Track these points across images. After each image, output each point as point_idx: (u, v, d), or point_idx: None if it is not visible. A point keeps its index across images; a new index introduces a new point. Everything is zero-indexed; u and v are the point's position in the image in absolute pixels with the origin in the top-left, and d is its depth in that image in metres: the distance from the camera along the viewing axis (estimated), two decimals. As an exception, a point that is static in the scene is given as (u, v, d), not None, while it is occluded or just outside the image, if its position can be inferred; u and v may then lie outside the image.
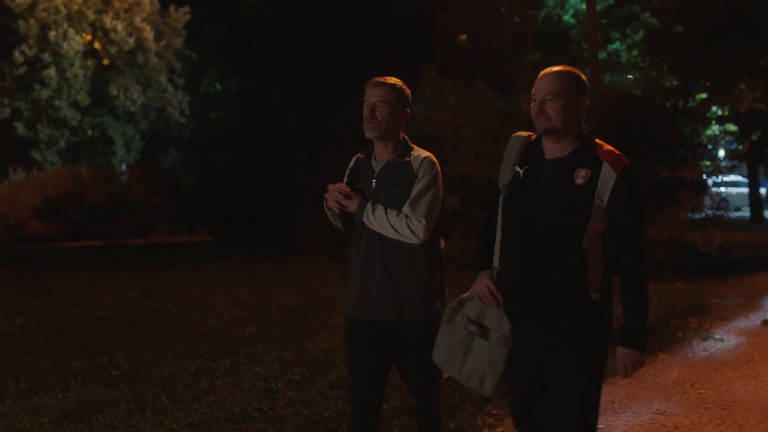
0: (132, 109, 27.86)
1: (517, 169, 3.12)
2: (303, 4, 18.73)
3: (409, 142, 3.63)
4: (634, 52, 23.93)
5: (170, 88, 28.02)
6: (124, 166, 29.18)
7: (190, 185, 25.72)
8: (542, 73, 3.07)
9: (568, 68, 3.07)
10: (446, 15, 16.51)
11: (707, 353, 7.11)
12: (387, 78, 3.61)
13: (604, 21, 25.08)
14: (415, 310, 3.47)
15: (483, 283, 3.14)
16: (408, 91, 3.62)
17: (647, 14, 24.49)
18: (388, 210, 3.45)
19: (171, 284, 11.23)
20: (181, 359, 6.68)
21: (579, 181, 2.96)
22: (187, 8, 27.53)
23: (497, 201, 3.21)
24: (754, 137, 21.15)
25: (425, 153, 3.57)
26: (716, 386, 5.97)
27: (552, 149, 3.07)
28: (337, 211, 3.56)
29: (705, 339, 7.62)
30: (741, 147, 15.23)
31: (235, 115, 26.95)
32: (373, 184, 3.56)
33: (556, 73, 3.04)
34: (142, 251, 17.98)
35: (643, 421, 5.16)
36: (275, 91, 22.89)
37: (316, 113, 20.71)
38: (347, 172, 3.72)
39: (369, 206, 3.48)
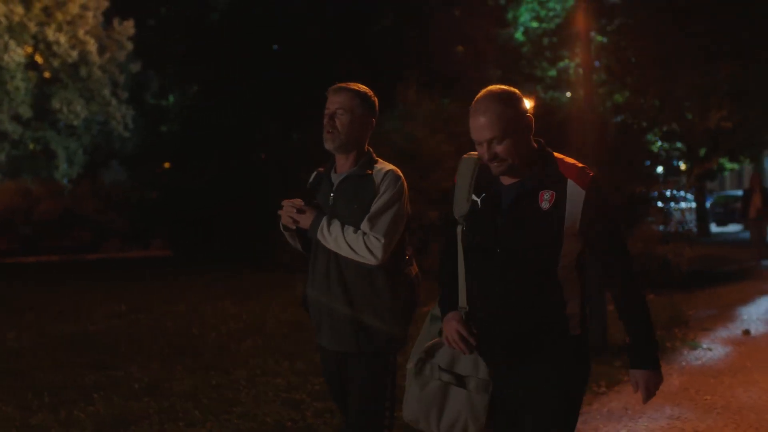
0: (75, 122, 27.37)
1: (474, 197, 2.84)
2: (271, 19, 18.83)
3: (374, 155, 3.36)
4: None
5: (114, 102, 27.64)
6: (65, 180, 28.69)
7: (143, 200, 25.57)
8: (472, 110, 2.75)
9: (495, 90, 2.74)
10: (415, 32, 16.78)
11: (700, 362, 7.42)
12: (350, 84, 3.32)
13: (555, 39, 25.82)
14: (370, 342, 3.19)
15: (452, 327, 2.83)
16: (374, 99, 3.35)
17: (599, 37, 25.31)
18: (345, 226, 3.18)
19: (155, 298, 11.19)
20: (193, 371, 6.72)
21: (544, 205, 2.69)
22: (131, 21, 27.22)
23: (455, 233, 2.92)
24: (701, 154, 21.96)
25: (389, 166, 3.31)
26: (720, 392, 6.24)
27: (508, 174, 2.79)
28: (294, 228, 3.30)
29: (694, 348, 7.94)
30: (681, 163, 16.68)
31: (192, 128, 26.85)
32: (331, 198, 3.30)
33: (489, 107, 2.70)
34: (105, 266, 17.78)
35: (662, 426, 5.40)
36: (239, 105, 22.89)
37: (285, 129, 20.86)
38: (306, 187, 3.49)
39: (324, 221, 3.20)
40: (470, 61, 18.46)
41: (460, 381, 2.84)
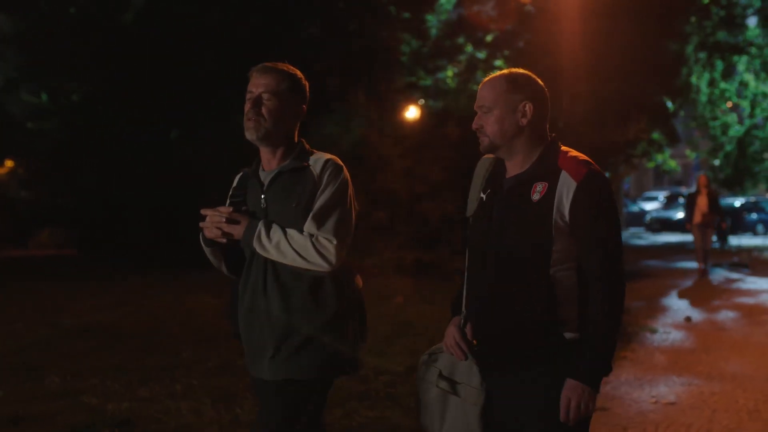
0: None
1: (482, 195, 2.73)
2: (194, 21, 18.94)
3: (306, 145, 2.92)
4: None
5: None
6: None
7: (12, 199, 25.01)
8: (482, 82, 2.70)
9: (507, 70, 2.68)
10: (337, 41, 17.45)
11: (669, 343, 8.56)
12: (278, 64, 2.86)
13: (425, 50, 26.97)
14: (319, 367, 2.76)
15: (449, 332, 2.68)
16: (305, 82, 2.91)
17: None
18: (288, 230, 2.72)
19: (131, 292, 11.37)
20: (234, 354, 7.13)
21: (535, 196, 2.52)
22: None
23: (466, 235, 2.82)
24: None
25: (327, 155, 2.87)
26: (707, 365, 7.35)
27: (514, 165, 2.66)
28: (223, 241, 2.79)
29: (654, 332, 9.09)
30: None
31: (77, 125, 26.22)
32: (263, 200, 2.82)
33: (492, 79, 2.66)
34: (27, 264, 17.41)
35: (683, 390, 6.41)
36: (137, 107, 22.65)
37: (192, 132, 20.94)
38: (230, 192, 2.99)
39: (261, 227, 2.72)
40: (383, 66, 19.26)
41: (455, 389, 2.70)
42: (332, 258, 2.69)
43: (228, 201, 2.93)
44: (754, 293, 12.53)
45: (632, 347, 8.22)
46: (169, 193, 19.16)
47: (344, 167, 2.85)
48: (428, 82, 27.47)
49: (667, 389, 6.43)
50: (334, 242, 2.70)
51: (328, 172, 2.78)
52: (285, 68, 2.84)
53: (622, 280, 2.53)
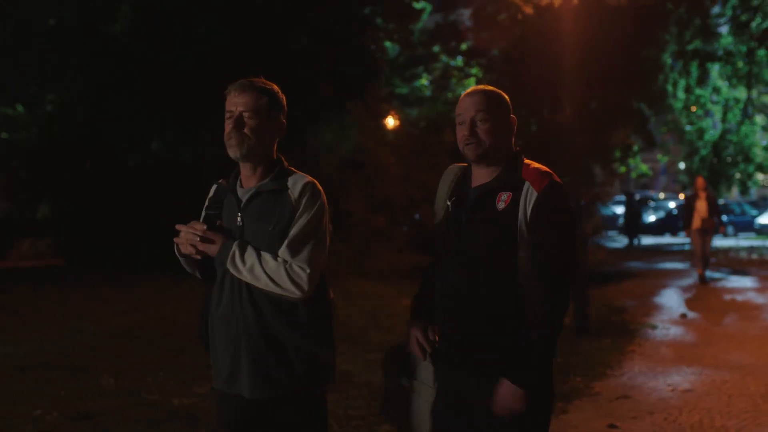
0: None
1: (447, 202, 2.84)
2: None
3: (285, 163, 2.89)
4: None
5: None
6: None
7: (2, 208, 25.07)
8: (462, 96, 2.80)
9: (491, 88, 2.81)
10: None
11: (671, 338, 9.06)
12: (256, 80, 2.84)
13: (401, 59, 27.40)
14: (296, 383, 2.73)
15: (411, 333, 2.80)
16: (282, 96, 2.88)
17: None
18: (262, 254, 2.70)
19: (143, 297, 11.69)
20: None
21: (500, 205, 2.66)
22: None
23: (434, 242, 2.92)
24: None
25: (306, 177, 2.84)
26: (711, 356, 7.85)
27: (480, 175, 2.78)
28: (198, 257, 2.79)
29: (654, 328, 9.59)
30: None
31: (53, 135, 26.26)
32: (239, 218, 2.80)
33: (481, 91, 2.78)
34: (19, 274, 17.56)
35: (697, 379, 6.89)
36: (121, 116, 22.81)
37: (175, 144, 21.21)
38: (205, 204, 2.96)
39: (236, 248, 2.72)
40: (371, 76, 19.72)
41: (413, 386, 2.83)
42: (305, 286, 2.67)
43: (203, 212, 2.91)
44: (740, 291, 13.12)
45: (638, 342, 8.70)
46: (152, 199, 19.40)
47: (322, 191, 2.81)
48: (405, 90, 27.98)
49: (680, 378, 6.90)
50: (308, 271, 2.68)
51: (306, 197, 2.75)
52: (262, 84, 2.82)
53: (566, 286, 2.64)
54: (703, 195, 13.77)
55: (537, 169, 2.71)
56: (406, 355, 2.86)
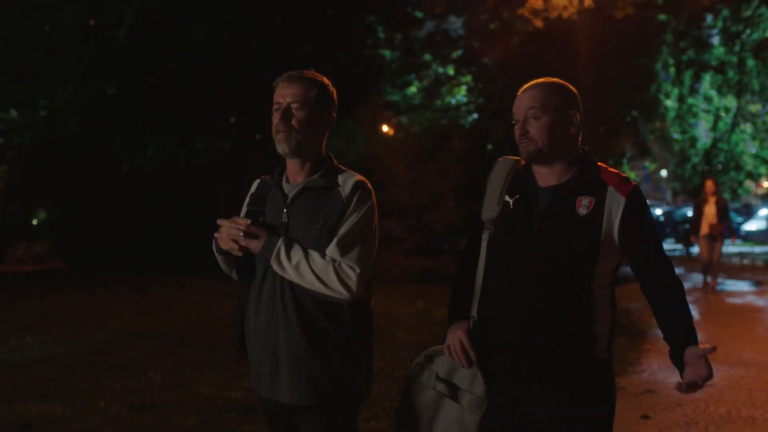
0: None
1: (507, 198, 2.64)
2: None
3: (334, 161, 2.79)
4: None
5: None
6: None
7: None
8: (521, 90, 2.65)
9: (553, 80, 2.65)
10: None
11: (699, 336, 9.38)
12: (304, 71, 2.73)
13: (393, 66, 27.74)
14: (339, 391, 2.64)
15: (456, 337, 2.61)
16: (333, 89, 2.78)
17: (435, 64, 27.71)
18: (309, 251, 2.59)
19: (163, 298, 11.99)
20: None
21: (582, 210, 2.51)
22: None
23: (478, 238, 2.70)
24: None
25: (358, 175, 2.74)
26: (727, 354, 8.17)
27: (544, 174, 2.61)
28: (239, 254, 2.64)
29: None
30: None
31: (49, 139, 26.36)
32: (285, 215, 2.68)
33: (538, 85, 2.61)
34: (25, 278, 17.71)
35: (716, 374, 7.18)
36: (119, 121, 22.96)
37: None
38: (247, 200, 2.84)
39: (281, 244, 2.59)
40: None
41: (454, 394, 2.64)
42: (354, 286, 2.56)
43: (245, 208, 2.80)
44: (738, 294, 13.51)
45: (651, 341, 9.06)
46: (150, 203, 19.56)
47: (372, 191, 2.72)
48: (396, 97, 28.31)
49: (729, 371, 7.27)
50: (358, 271, 2.57)
51: (357, 195, 2.65)
52: (312, 75, 2.72)
53: (675, 273, 2.61)
54: (712, 199, 13.16)
55: (616, 173, 2.59)
56: (441, 360, 2.69)
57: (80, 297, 12.71)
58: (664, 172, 41.43)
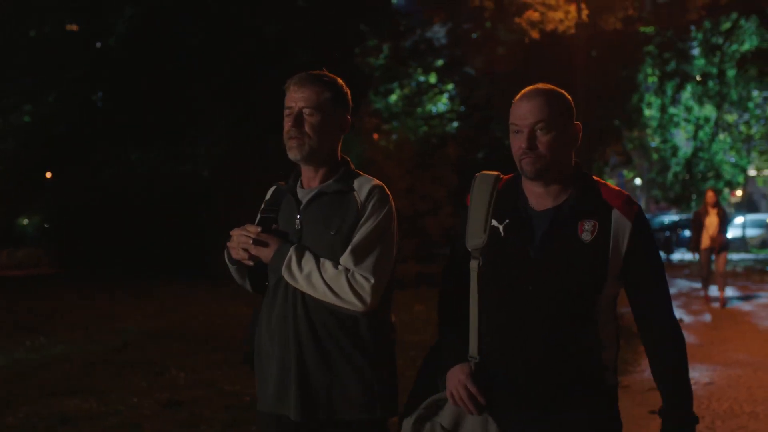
0: None
1: (494, 223, 2.40)
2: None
3: (351, 165, 2.65)
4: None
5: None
6: None
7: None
8: (518, 98, 2.36)
9: (549, 85, 2.38)
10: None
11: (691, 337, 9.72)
12: (317, 73, 2.57)
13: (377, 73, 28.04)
14: (351, 408, 2.49)
15: (459, 382, 2.37)
16: (347, 90, 2.63)
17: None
18: (321, 260, 2.46)
19: (169, 300, 12.16)
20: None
21: (585, 236, 2.30)
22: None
23: (464, 269, 2.45)
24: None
25: (375, 180, 2.59)
26: (723, 355, 8.55)
27: (537, 194, 2.37)
28: (250, 263, 2.54)
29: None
30: None
31: (32, 145, 26.33)
32: (298, 221, 2.55)
33: (542, 92, 2.33)
34: (24, 283, 17.76)
35: (714, 374, 7.57)
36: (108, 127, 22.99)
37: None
38: (261, 207, 2.72)
39: (292, 253, 2.47)
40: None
41: None
42: (367, 298, 2.42)
43: (259, 216, 2.67)
44: (727, 298, 13.86)
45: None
46: (137, 209, 19.66)
47: (390, 196, 2.57)
48: (379, 105, 28.59)
49: (698, 374, 7.57)
50: (372, 281, 2.42)
51: (373, 200, 2.50)
52: (325, 77, 2.56)
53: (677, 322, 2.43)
54: (713, 211, 12.62)
55: (619, 191, 2.37)
56: (446, 408, 2.43)
57: (81, 300, 12.84)
58: (638, 181, 41.96)
